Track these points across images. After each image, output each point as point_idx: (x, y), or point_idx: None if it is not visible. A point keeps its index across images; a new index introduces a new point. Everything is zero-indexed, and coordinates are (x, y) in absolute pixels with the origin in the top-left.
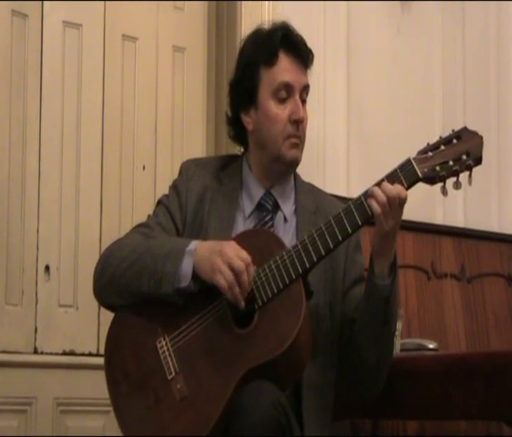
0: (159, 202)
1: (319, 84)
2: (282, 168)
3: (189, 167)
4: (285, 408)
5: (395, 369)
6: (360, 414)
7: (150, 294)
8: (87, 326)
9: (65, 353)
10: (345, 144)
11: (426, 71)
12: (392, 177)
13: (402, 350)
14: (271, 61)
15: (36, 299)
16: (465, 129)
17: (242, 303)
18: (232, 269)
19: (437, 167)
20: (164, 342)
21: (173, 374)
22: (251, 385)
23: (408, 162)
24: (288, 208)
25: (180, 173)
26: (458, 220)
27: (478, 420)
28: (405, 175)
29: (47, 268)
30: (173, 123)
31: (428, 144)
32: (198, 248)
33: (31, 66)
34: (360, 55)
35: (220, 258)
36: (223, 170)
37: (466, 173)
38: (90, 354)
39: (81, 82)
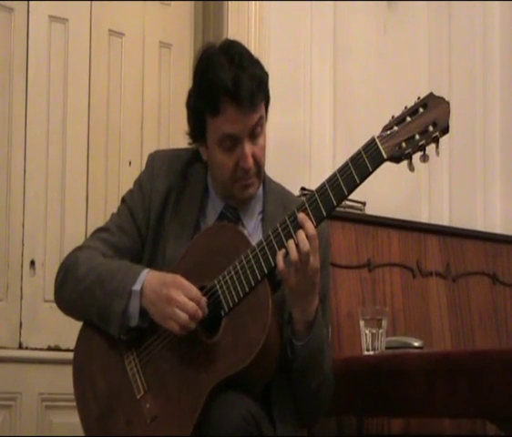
0: (123, 200)
1: (305, 81)
2: (236, 204)
3: (155, 162)
4: (257, 419)
5: (381, 366)
6: (345, 411)
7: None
8: (72, 321)
9: (50, 349)
10: (332, 141)
11: (413, 68)
12: (356, 160)
13: (387, 347)
14: (214, 112)
15: (21, 295)
16: (431, 96)
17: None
18: (186, 312)
19: (403, 144)
20: (132, 358)
21: (142, 393)
22: (222, 398)
23: (372, 142)
24: (252, 221)
25: (146, 166)
26: (444, 219)
27: (463, 418)
28: (370, 157)
29: (33, 263)
30: (159, 119)
31: (393, 117)
32: (144, 287)
33: (17, 60)
34: (346, 52)
35: (169, 306)
36: (191, 166)
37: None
38: None
39: (67, 77)
